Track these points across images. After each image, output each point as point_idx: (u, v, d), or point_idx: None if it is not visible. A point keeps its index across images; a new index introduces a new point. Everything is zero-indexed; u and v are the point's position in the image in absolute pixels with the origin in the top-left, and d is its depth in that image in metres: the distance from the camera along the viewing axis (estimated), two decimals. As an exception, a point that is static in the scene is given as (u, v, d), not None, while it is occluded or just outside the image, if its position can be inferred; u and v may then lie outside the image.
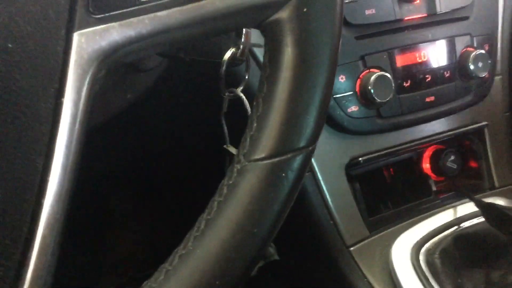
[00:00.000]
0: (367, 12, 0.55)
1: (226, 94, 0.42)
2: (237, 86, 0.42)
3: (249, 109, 0.43)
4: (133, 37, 0.26)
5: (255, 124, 0.29)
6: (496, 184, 0.68)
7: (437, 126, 0.64)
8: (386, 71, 0.56)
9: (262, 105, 0.29)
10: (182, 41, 0.28)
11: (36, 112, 0.25)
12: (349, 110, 0.56)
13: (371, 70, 0.56)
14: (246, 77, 0.42)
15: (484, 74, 0.61)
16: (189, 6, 0.27)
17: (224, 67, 0.40)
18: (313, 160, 0.58)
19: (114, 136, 0.68)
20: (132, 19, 0.26)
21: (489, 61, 0.61)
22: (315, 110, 0.30)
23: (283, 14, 0.29)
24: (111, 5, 0.26)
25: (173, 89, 0.59)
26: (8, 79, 0.24)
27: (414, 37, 0.59)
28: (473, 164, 0.69)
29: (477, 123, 0.67)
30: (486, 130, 0.67)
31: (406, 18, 0.58)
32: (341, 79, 0.55)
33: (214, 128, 0.51)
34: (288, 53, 0.29)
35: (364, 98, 0.56)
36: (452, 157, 0.66)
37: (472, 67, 0.60)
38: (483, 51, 0.61)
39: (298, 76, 0.29)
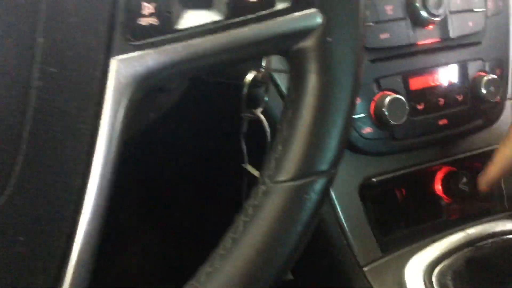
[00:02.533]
0: (382, 36, 0.57)
1: (247, 115, 0.44)
2: (255, 108, 0.44)
3: (268, 129, 0.44)
4: (168, 63, 0.27)
5: (279, 147, 0.30)
6: (507, 206, 0.68)
7: (449, 148, 0.65)
8: (400, 94, 0.58)
9: (287, 128, 0.31)
10: (211, 67, 0.30)
11: (75, 133, 0.26)
12: (363, 131, 0.57)
13: (385, 92, 0.57)
14: (266, 99, 0.44)
15: (496, 99, 0.62)
16: (220, 35, 0.28)
17: (246, 89, 0.41)
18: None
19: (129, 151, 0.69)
20: (167, 46, 0.27)
21: (501, 86, 0.62)
22: (337, 134, 0.31)
23: (308, 43, 0.30)
24: (147, 32, 0.27)
25: (193, 108, 0.60)
26: (50, 102, 0.25)
27: (427, 61, 0.60)
28: (484, 186, 0.70)
29: (488, 146, 0.67)
30: (497, 152, 0.68)
31: (419, 43, 0.59)
32: (356, 101, 0.56)
33: (228, 147, 0.52)
34: (313, 80, 0.30)
35: (379, 120, 0.57)
36: (464, 180, 0.66)
37: (484, 91, 0.61)
38: (495, 76, 0.62)
39: (322, 102, 0.30)
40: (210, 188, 0.88)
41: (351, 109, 0.32)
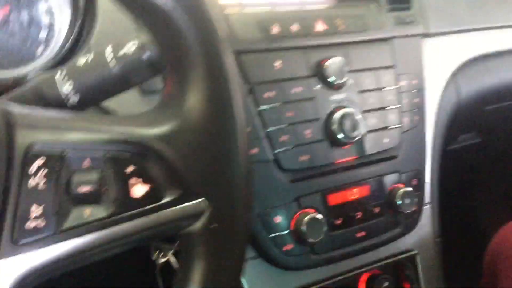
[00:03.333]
0: (302, 158, 0.60)
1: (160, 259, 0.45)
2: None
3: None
4: (52, 261, 0.29)
5: None
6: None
7: (370, 255, 0.68)
8: (319, 211, 0.61)
9: None
10: (98, 259, 0.31)
11: None
12: (284, 248, 0.60)
13: (305, 210, 0.61)
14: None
15: (410, 210, 0.66)
16: (105, 231, 0.30)
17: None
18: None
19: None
20: (51, 246, 0.29)
21: (416, 197, 0.67)
22: None
23: (195, 228, 0.33)
24: (33, 234, 0.29)
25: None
26: None
27: (345, 177, 0.64)
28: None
29: (409, 251, 0.71)
30: (417, 257, 0.72)
31: (338, 161, 0.63)
32: (277, 220, 0.59)
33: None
34: (201, 266, 0.32)
35: (298, 237, 0.60)
36: (386, 283, 0.69)
37: (399, 203, 0.65)
38: (410, 189, 0.66)
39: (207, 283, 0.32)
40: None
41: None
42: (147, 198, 0.31)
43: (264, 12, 0.61)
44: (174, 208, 0.32)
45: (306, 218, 0.59)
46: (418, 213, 0.70)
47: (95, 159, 0.30)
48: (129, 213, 0.31)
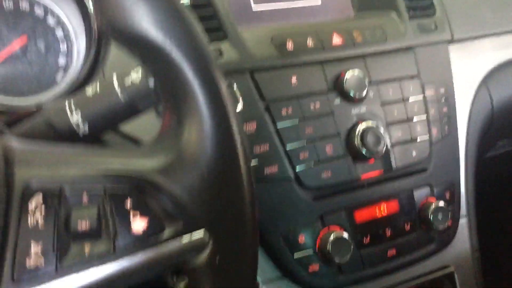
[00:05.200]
0: (323, 175, 0.58)
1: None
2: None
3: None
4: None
5: None
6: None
7: (403, 274, 0.65)
8: (345, 229, 0.59)
9: None
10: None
11: None
12: (310, 269, 0.58)
13: (331, 228, 0.58)
14: None
15: (444, 226, 0.63)
16: (105, 266, 0.30)
17: None
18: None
19: None
20: (50, 284, 0.29)
21: (450, 212, 0.63)
22: None
23: (199, 261, 0.32)
24: (33, 272, 0.29)
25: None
26: None
27: (372, 193, 0.61)
28: (445, 306, 0.69)
29: (445, 267, 0.67)
30: (455, 274, 0.68)
31: (363, 177, 0.61)
32: (301, 239, 0.57)
33: None
34: None
35: (324, 257, 0.58)
36: (422, 304, 0.66)
37: (432, 219, 0.62)
38: (442, 203, 0.63)
39: None
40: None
41: None
42: (147, 231, 0.30)
43: (278, 27, 0.60)
44: (175, 239, 0.31)
45: (331, 237, 0.57)
46: (453, 227, 0.66)
47: (94, 194, 0.30)
48: (130, 247, 0.30)
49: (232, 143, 0.31)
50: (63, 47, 0.56)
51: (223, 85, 0.32)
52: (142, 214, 0.30)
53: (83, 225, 0.29)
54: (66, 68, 0.57)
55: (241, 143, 0.32)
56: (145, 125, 0.54)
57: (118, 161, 0.30)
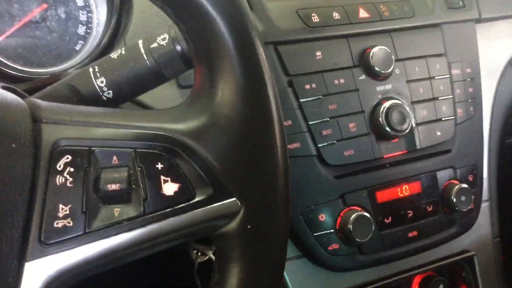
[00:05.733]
0: (346, 153, 0.57)
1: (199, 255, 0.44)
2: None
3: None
4: (80, 263, 0.28)
5: None
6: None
7: (423, 256, 0.64)
8: (366, 209, 0.57)
9: None
10: (129, 260, 0.30)
11: None
12: (329, 248, 0.57)
13: (352, 208, 0.57)
14: None
15: (467, 208, 0.61)
16: (135, 231, 0.29)
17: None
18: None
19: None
20: (80, 247, 0.28)
21: (473, 195, 0.62)
22: None
23: (229, 229, 0.30)
24: (61, 234, 0.28)
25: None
26: None
27: (394, 173, 0.60)
28: (463, 291, 0.68)
29: (465, 251, 0.66)
30: (475, 258, 0.67)
31: (386, 156, 0.59)
32: (321, 218, 0.56)
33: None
34: (236, 270, 0.30)
35: (345, 236, 0.56)
36: (441, 286, 0.65)
37: (455, 200, 0.61)
38: (465, 186, 0.61)
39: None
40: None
41: None
42: (178, 196, 0.29)
43: (303, 0, 0.59)
44: (205, 207, 0.30)
45: (353, 216, 0.56)
46: (475, 211, 0.65)
47: (124, 156, 0.29)
48: (160, 212, 0.29)
49: (266, 105, 0.30)
50: (83, 16, 0.55)
51: (259, 45, 0.30)
52: (173, 178, 0.29)
53: (113, 187, 0.28)
54: (85, 38, 0.56)
55: (276, 106, 0.31)
56: (164, 98, 0.53)
57: (150, 123, 0.29)
